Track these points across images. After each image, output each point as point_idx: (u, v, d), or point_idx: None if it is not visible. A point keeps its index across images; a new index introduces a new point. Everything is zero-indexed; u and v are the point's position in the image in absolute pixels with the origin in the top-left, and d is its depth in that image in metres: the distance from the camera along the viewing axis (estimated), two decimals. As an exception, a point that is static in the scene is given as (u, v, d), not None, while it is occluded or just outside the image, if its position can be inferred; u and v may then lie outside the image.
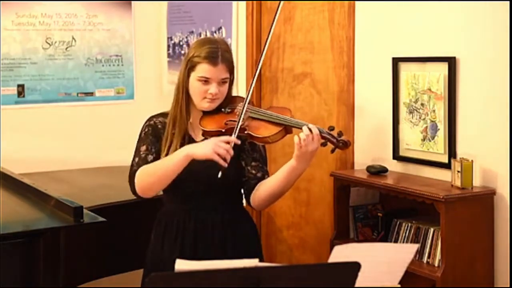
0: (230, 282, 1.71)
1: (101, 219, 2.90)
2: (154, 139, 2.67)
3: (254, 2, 4.30)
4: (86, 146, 4.79)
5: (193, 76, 2.61)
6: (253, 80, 2.67)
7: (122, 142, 4.72)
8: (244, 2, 4.36)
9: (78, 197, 3.18)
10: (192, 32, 4.79)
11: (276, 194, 2.59)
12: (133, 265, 3.50)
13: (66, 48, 4.73)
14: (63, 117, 4.75)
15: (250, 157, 2.65)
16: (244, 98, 2.62)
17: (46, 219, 2.99)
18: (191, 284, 1.70)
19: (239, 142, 2.49)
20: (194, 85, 2.62)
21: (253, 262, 1.76)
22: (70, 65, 4.76)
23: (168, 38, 5.02)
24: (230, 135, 2.52)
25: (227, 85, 2.64)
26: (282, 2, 2.69)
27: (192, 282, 1.70)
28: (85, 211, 2.89)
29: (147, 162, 2.62)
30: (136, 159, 2.65)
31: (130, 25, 4.95)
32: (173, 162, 2.52)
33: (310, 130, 2.45)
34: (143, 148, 2.66)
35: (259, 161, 2.66)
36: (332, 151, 2.55)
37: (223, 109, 2.65)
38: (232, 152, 2.45)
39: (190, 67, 2.62)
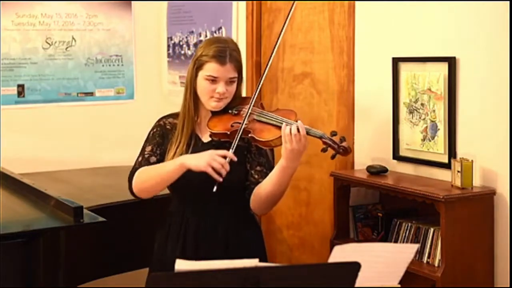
0: (230, 282, 1.71)
1: (101, 219, 2.90)
2: (160, 140, 2.68)
3: (254, 2, 4.30)
4: (86, 146, 4.79)
5: (201, 75, 2.61)
6: (259, 82, 2.67)
7: (122, 142, 4.74)
8: (244, 2, 4.36)
9: (78, 197, 3.18)
10: (192, 32, 4.79)
11: (272, 196, 2.54)
12: (133, 265, 3.50)
13: (66, 48, 4.73)
14: (63, 117, 4.76)
15: (256, 161, 2.62)
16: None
17: (46, 219, 2.99)
18: (191, 284, 1.70)
19: (235, 158, 2.46)
20: (202, 84, 2.61)
21: (253, 262, 1.76)
22: (70, 65, 4.76)
23: (168, 38, 5.02)
24: (234, 137, 2.51)
25: (235, 84, 2.65)
26: (295, 2, 2.68)
27: (192, 282, 1.70)
28: (85, 211, 2.89)
29: (149, 163, 2.64)
30: (140, 159, 2.67)
31: (130, 25, 4.95)
32: (168, 169, 2.53)
33: (298, 129, 2.41)
34: (148, 148, 2.68)
35: (264, 166, 2.62)
36: (333, 157, 2.50)
37: (230, 111, 2.64)
38: (228, 167, 2.42)
39: (198, 66, 2.62)
